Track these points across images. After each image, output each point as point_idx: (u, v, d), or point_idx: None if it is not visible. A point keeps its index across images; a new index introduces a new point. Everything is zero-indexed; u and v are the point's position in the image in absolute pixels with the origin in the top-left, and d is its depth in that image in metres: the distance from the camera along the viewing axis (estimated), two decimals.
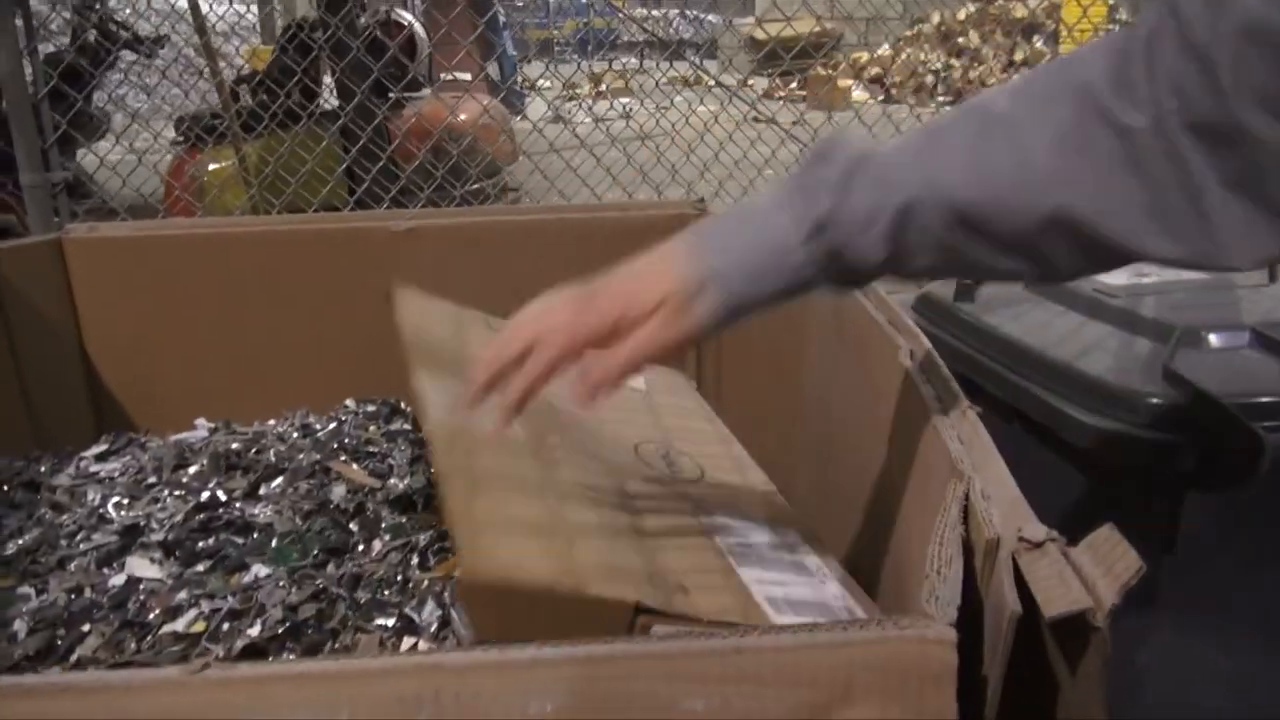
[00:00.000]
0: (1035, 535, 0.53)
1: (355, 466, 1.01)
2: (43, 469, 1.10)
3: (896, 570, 0.73)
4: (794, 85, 7.25)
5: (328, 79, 2.91)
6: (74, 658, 0.78)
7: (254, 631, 0.76)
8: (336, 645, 0.75)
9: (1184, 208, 0.51)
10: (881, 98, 7.96)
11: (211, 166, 2.74)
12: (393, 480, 0.97)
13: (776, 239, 0.60)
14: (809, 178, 0.61)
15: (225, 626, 0.77)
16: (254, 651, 0.74)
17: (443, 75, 3.40)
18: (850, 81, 8.31)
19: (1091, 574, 0.49)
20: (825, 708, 0.45)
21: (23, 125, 1.62)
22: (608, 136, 2.22)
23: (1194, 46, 0.49)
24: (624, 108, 2.87)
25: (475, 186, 2.30)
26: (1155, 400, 0.95)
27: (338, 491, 0.95)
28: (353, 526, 0.90)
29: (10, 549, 0.92)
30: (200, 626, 0.78)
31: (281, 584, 0.81)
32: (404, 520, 0.90)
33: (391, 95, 2.39)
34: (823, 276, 0.61)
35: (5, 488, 1.06)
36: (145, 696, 0.43)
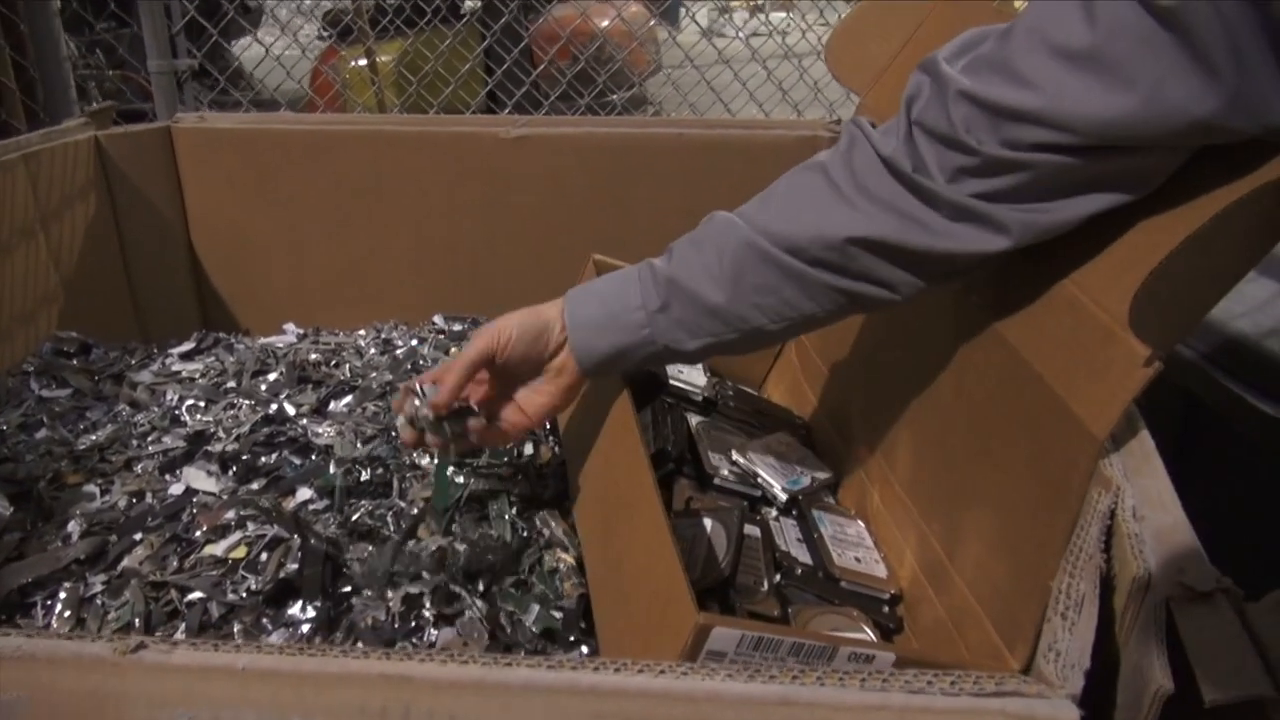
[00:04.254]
0: (1202, 582, 0.40)
1: None
2: (133, 361, 1.08)
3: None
4: None
5: None
6: (120, 567, 0.75)
7: (293, 566, 0.70)
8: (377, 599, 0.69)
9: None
10: None
11: (351, 65, 2.71)
12: None
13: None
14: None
15: (264, 556, 0.72)
16: (286, 589, 0.69)
17: None
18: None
19: (1277, 646, 0.36)
20: None
21: (151, 8, 1.59)
22: (748, 48, 2.06)
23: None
24: (784, 20, 2.68)
25: (612, 98, 2.19)
26: None
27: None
28: (407, 459, 0.83)
29: (84, 444, 0.90)
30: (240, 553, 0.73)
31: (327, 515, 0.76)
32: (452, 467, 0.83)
33: None
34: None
35: (97, 378, 1.05)
36: (69, 672, 0.36)
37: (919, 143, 0.60)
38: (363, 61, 2.58)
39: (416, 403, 0.72)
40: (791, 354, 1.09)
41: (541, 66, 1.96)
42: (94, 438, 0.92)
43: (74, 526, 0.79)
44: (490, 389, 0.76)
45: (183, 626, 0.69)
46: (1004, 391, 0.63)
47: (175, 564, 0.74)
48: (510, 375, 0.75)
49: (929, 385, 0.73)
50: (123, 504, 0.82)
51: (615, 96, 2.08)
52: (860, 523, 0.79)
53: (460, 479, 0.81)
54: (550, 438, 0.90)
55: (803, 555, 0.74)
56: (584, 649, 0.67)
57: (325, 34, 2.86)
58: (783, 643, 0.54)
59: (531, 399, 0.75)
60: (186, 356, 1.10)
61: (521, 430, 0.75)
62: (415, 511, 0.76)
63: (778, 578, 0.70)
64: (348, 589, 0.69)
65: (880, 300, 0.65)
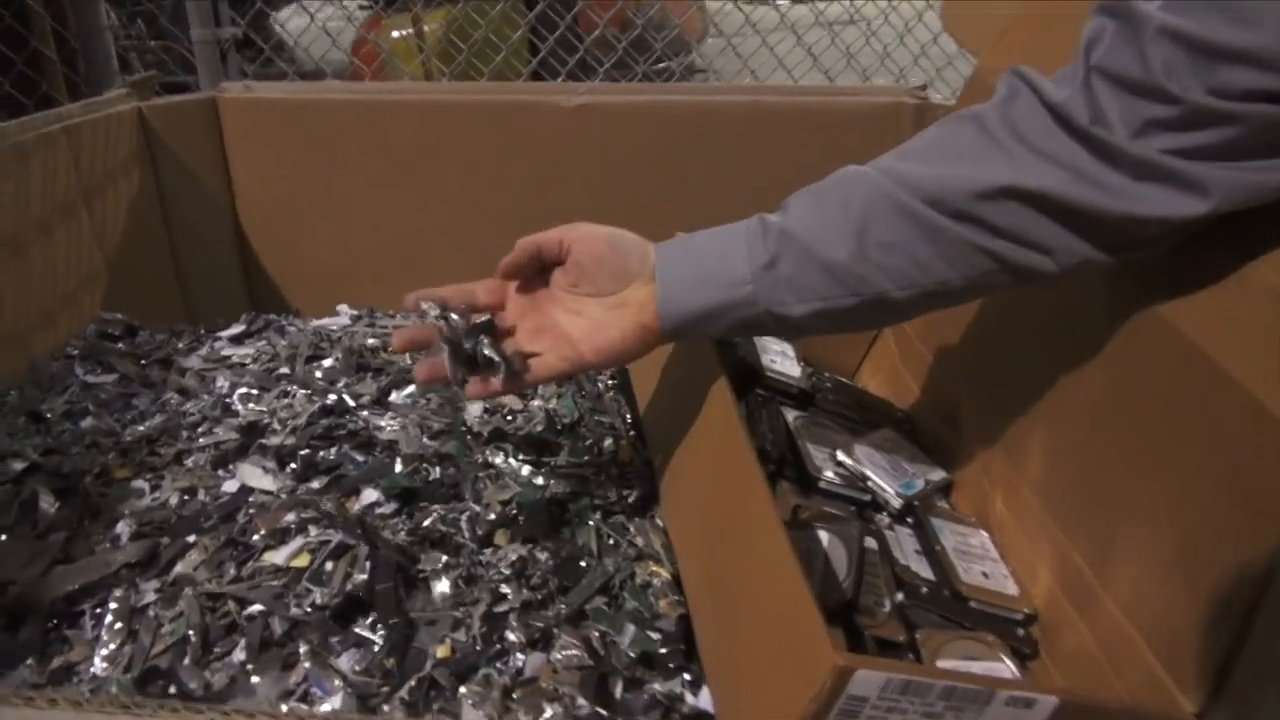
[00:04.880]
0: None
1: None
2: (180, 345, 1.02)
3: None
4: None
5: None
6: (174, 573, 0.69)
7: (362, 577, 0.64)
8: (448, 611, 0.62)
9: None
10: None
11: (394, 34, 2.64)
12: (536, 402, 0.83)
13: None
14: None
15: (329, 566, 0.66)
16: (355, 603, 0.62)
17: None
18: None
19: None
20: None
21: None
22: (813, 11, 1.96)
23: None
24: None
25: (661, 65, 2.10)
26: None
27: (472, 412, 0.81)
28: (479, 456, 0.76)
29: (132, 435, 0.84)
30: (303, 561, 0.67)
31: (396, 520, 0.69)
32: (527, 467, 0.76)
33: None
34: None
35: (143, 362, 0.99)
36: None
37: (1098, 91, 0.51)
38: (408, 30, 2.51)
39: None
40: (889, 339, 1.01)
41: (596, 33, 1.88)
42: (142, 428, 0.86)
43: (123, 527, 0.73)
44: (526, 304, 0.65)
45: (241, 643, 0.63)
46: (1178, 392, 0.54)
47: (233, 571, 0.68)
48: (577, 289, 0.63)
49: (1069, 378, 0.65)
50: (174, 501, 0.77)
51: (673, 63, 1.99)
52: (983, 532, 0.72)
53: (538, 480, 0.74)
54: (631, 432, 0.83)
55: (924, 570, 0.66)
56: (686, 675, 0.60)
57: (370, 2, 2.79)
58: (933, 687, 0.47)
59: (596, 331, 0.61)
60: (236, 340, 1.04)
61: (560, 372, 0.62)
62: (492, 517, 0.69)
63: (900, 596, 0.63)
64: (422, 606, 0.62)
65: (1031, 270, 0.55)
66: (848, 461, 0.73)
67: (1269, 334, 0.49)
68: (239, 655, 0.63)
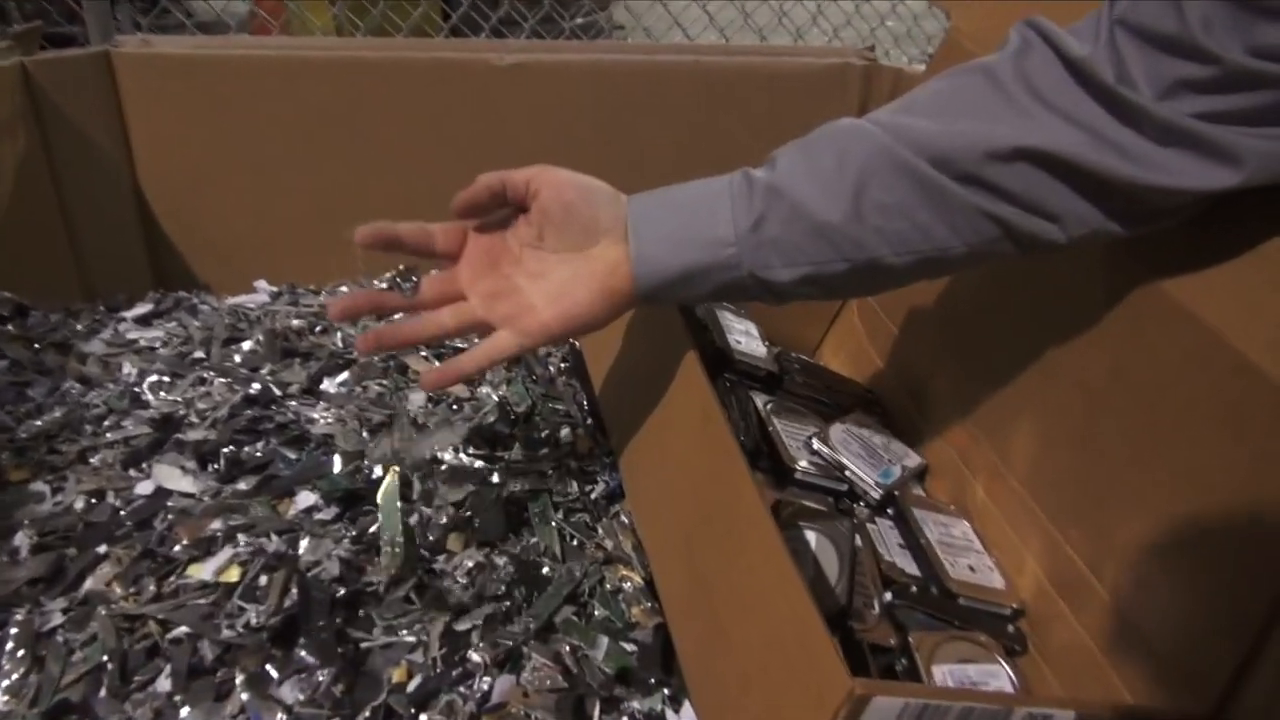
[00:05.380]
0: None
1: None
2: (79, 327, 0.93)
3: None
4: None
5: None
6: (83, 589, 0.62)
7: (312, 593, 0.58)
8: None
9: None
10: None
11: None
12: (484, 389, 0.77)
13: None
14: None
15: (264, 580, 0.59)
16: (296, 624, 0.56)
17: None
18: None
19: None
20: None
21: None
22: None
23: None
24: None
25: (585, 20, 2.02)
26: None
27: (415, 400, 0.75)
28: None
29: (27, 431, 0.75)
30: (233, 575, 0.60)
31: (338, 526, 0.63)
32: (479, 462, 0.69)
33: None
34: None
35: (36, 346, 0.89)
36: None
37: (1123, 47, 0.47)
38: None
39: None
40: (853, 312, 0.96)
41: None
42: (39, 423, 0.77)
43: (22, 537, 0.65)
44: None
45: (167, 670, 0.57)
46: (1193, 380, 0.51)
47: (152, 588, 0.61)
48: (541, 243, 0.57)
49: (1063, 360, 0.62)
50: (80, 506, 0.69)
51: (599, 17, 1.91)
52: (964, 521, 0.69)
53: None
54: (589, 420, 0.77)
55: (910, 566, 0.63)
56: (666, 690, 0.55)
57: None
58: (951, 709, 0.43)
59: (554, 296, 0.56)
60: (143, 321, 0.95)
61: (520, 348, 0.57)
62: (444, 520, 0.63)
63: (888, 596, 0.59)
64: (373, 627, 0.56)
65: (1037, 239, 0.51)
66: (823, 450, 0.69)
67: None
68: (164, 685, 0.56)
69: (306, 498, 0.65)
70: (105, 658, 0.57)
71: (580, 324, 0.57)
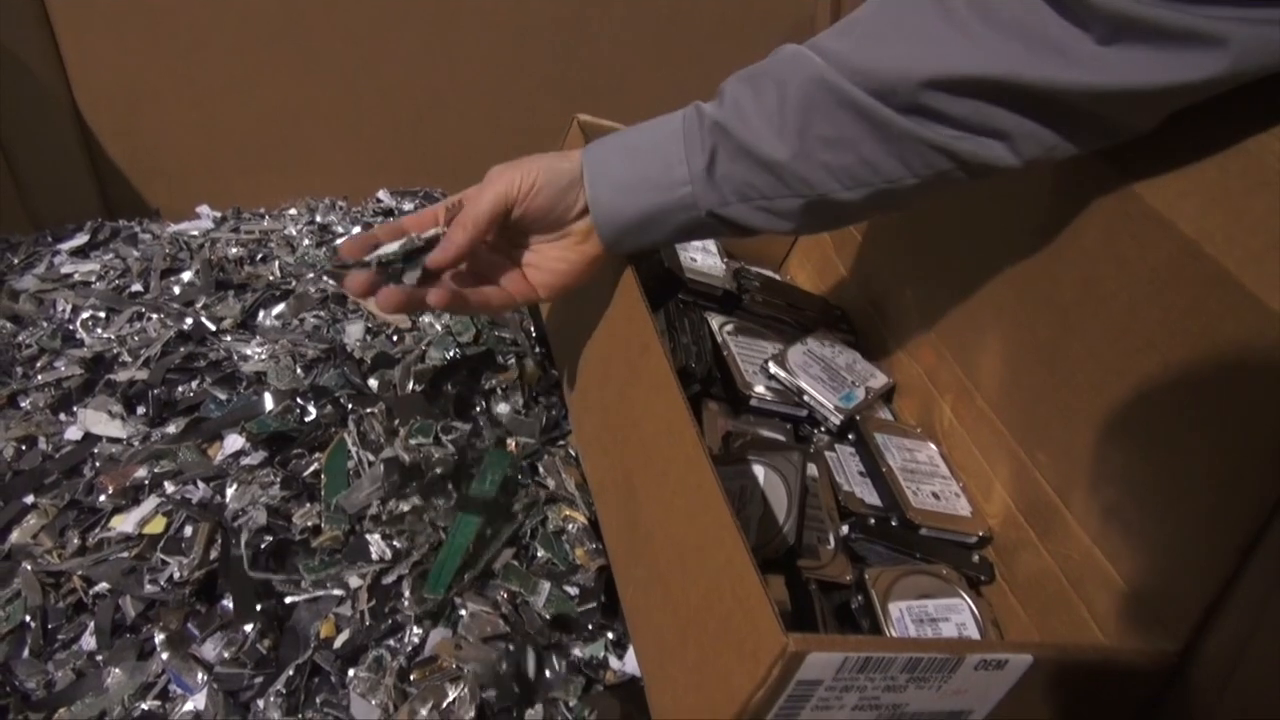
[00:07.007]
0: None
1: None
2: (15, 261, 0.88)
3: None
4: None
5: None
6: (8, 543, 0.59)
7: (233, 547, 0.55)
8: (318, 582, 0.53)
9: None
10: None
11: None
12: (427, 318, 0.73)
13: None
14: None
15: (188, 531, 0.56)
16: (216, 582, 0.53)
17: None
18: None
19: None
20: None
21: None
22: None
23: None
24: None
25: None
26: None
27: (353, 332, 0.71)
28: (371, 381, 0.66)
29: None
30: (158, 526, 0.57)
31: (266, 471, 0.59)
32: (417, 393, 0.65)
33: None
34: None
35: None
36: None
37: None
38: None
39: (383, 251, 0.54)
40: None
41: None
42: None
43: None
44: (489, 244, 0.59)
45: (90, 627, 0.54)
46: (1169, 297, 0.47)
47: (76, 541, 0.58)
48: (521, 232, 0.57)
49: (1033, 274, 0.57)
50: (9, 454, 0.65)
51: None
52: (931, 445, 0.65)
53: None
54: (538, 348, 0.73)
55: (869, 495, 0.59)
56: (609, 635, 0.53)
57: None
58: (895, 660, 0.40)
59: (543, 266, 0.57)
60: (79, 253, 0.90)
61: (518, 302, 0.58)
62: (386, 465, 0.59)
63: (844, 529, 0.56)
64: (298, 578, 0.53)
65: (991, 165, 0.48)
66: (780, 374, 0.65)
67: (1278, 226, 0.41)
68: (88, 643, 0.54)
69: (235, 441, 0.62)
70: (28, 617, 0.54)
71: (565, 287, 0.58)
